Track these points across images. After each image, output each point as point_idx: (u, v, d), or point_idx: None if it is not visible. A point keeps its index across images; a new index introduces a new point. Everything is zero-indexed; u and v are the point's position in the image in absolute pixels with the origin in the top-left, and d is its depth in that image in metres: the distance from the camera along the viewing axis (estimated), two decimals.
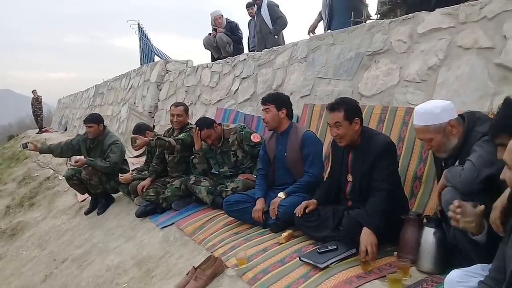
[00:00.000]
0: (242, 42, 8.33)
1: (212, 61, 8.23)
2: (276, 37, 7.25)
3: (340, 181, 3.31)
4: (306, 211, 3.27)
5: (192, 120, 5.67)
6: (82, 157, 5.83)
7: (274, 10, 7.23)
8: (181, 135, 4.81)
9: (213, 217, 4.26)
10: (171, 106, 5.16)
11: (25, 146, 5.86)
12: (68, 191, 7.48)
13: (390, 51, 4.14)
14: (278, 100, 3.84)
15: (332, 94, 4.57)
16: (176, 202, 4.79)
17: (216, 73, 7.40)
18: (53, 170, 9.44)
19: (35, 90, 17.87)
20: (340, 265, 2.79)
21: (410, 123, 3.56)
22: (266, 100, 3.85)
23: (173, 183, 4.84)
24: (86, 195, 6.25)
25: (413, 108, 3.58)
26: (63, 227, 6.22)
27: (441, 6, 3.74)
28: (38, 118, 18.11)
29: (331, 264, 2.80)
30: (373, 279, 2.58)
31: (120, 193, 5.85)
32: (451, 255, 2.52)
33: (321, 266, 2.78)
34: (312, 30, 6.34)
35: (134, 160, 7.68)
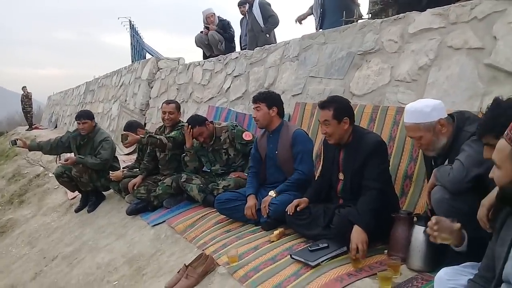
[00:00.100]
0: (234, 40, 8.32)
1: (203, 59, 8.22)
2: (267, 35, 7.25)
3: (331, 180, 3.33)
4: (298, 209, 3.28)
5: (184, 118, 5.67)
6: (72, 155, 5.80)
7: (265, 9, 7.23)
8: (172, 133, 4.80)
9: (204, 215, 4.26)
10: (162, 103, 5.15)
11: (14, 143, 5.81)
12: (58, 189, 7.44)
13: (381, 51, 4.16)
14: (268, 99, 3.85)
15: (323, 93, 4.59)
16: (167, 200, 4.78)
17: (208, 71, 7.39)
18: (43, 167, 9.38)
19: (25, 86, 17.71)
20: (331, 263, 2.81)
21: (401, 123, 3.59)
22: (257, 99, 3.86)
23: (164, 181, 4.82)
24: (76, 192, 6.21)
25: (404, 108, 3.62)
26: (53, 224, 6.18)
27: (432, 7, 3.78)
28: (28, 115, 17.96)
29: (322, 262, 2.82)
30: (364, 277, 2.60)
31: (111, 190, 5.82)
32: (441, 254, 2.54)
33: (312, 264, 2.80)
34: (299, 20, 6.37)
35: (125, 157, 7.65)
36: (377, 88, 4.09)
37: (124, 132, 4.76)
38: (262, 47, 6.16)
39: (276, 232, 3.39)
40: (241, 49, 7.86)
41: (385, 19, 4.30)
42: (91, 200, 5.91)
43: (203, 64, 7.67)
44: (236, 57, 6.67)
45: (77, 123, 5.61)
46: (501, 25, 3.13)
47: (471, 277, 1.89)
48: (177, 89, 8.37)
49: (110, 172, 5.47)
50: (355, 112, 3.57)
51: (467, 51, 3.36)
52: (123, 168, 5.76)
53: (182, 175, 4.60)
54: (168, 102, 5.12)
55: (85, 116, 5.64)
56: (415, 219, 2.80)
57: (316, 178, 3.72)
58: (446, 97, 3.33)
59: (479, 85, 3.22)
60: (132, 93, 10.31)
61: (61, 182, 5.87)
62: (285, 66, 5.48)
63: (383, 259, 2.80)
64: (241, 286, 2.91)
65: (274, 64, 5.69)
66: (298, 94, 5.09)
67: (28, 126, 18.08)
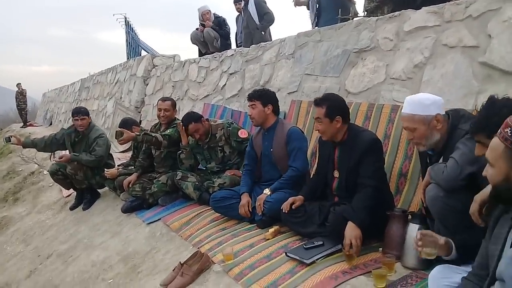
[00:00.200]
0: (229, 37, 8.31)
1: (199, 56, 8.21)
2: (263, 33, 7.24)
3: (327, 177, 3.33)
4: (293, 207, 3.29)
5: (179, 116, 5.66)
6: (67, 152, 5.78)
7: (261, 6, 7.22)
8: (168, 131, 4.79)
9: (199, 213, 4.26)
10: (158, 100, 5.13)
11: (8, 140, 5.79)
12: (53, 186, 7.41)
13: (376, 49, 4.17)
14: (263, 96, 3.85)
15: (319, 91, 4.59)
16: (162, 198, 4.78)
17: (203, 68, 7.38)
18: (38, 164, 9.35)
19: (19, 83, 17.63)
20: (326, 261, 2.82)
21: (396, 120, 3.60)
22: (252, 96, 3.86)
23: (159, 179, 4.82)
24: (71, 190, 6.19)
25: (399, 106, 3.64)
26: (48, 222, 6.17)
27: (427, 5, 3.78)
28: (23, 112, 17.87)
29: (317, 259, 2.82)
30: (359, 275, 2.61)
31: (106, 188, 5.81)
32: None
33: (307, 261, 2.80)
34: (296, 3, 6.42)
35: (120, 155, 7.63)
36: (373, 86, 4.09)
37: (119, 129, 4.74)
38: (258, 45, 6.15)
39: (271, 230, 3.40)
40: (237, 46, 7.86)
41: (380, 17, 4.30)
42: (86, 197, 5.89)
43: (198, 61, 7.65)
44: (232, 55, 6.66)
45: (75, 119, 5.58)
46: (495, 24, 3.14)
47: (465, 275, 1.91)
48: (173, 86, 8.35)
49: (105, 169, 5.46)
50: (350, 110, 3.58)
51: (462, 49, 3.37)
52: (118, 165, 5.75)
53: (178, 172, 4.59)
54: (163, 99, 5.10)
55: (84, 112, 5.64)
56: (409, 217, 2.81)
57: (311, 176, 3.72)
58: (440, 95, 3.29)
59: (473, 83, 3.23)
60: (127, 90, 10.28)
61: (55, 180, 5.85)
62: (281, 63, 5.47)
63: (377, 257, 2.81)
64: (236, 284, 2.91)
65: (270, 61, 5.69)
66: (293, 92, 5.09)
67: (22, 123, 18.00)
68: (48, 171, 6.10)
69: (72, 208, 6.02)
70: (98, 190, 5.98)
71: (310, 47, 5.03)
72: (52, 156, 6.84)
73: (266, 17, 7.25)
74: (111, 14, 12.62)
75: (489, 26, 3.18)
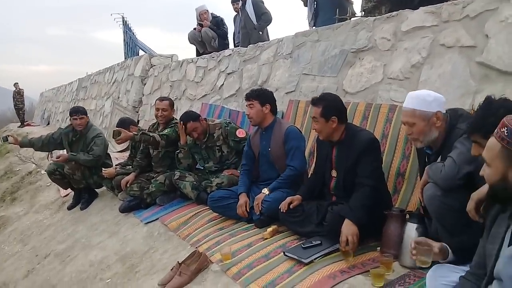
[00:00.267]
0: (227, 37, 8.31)
1: (197, 56, 8.20)
2: (260, 33, 7.25)
3: (325, 177, 3.34)
4: (291, 206, 3.29)
5: (177, 115, 5.65)
6: (65, 151, 5.77)
7: (258, 6, 7.23)
8: (166, 131, 4.78)
9: (197, 212, 4.26)
10: (156, 100, 5.12)
11: (5, 139, 5.78)
12: (50, 186, 7.41)
13: (374, 49, 4.17)
14: (261, 96, 3.86)
15: (317, 91, 4.59)
16: (160, 198, 4.78)
17: (201, 68, 7.38)
18: (35, 164, 9.33)
19: (17, 83, 17.60)
20: (324, 260, 2.82)
21: (394, 120, 3.61)
22: (250, 96, 3.86)
23: (157, 178, 4.81)
24: (69, 190, 6.19)
25: (397, 106, 3.66)
26: (46, 222, 6.16)
27: (425, 5, 3.79)
28: (20, 112, 17.84)
29: (315, 259, 2.83)
30: (357, 274, 2.61)
31: (104, 188, 5.81)
32: None
33: (305, 261, 2.81)
34: None
35: (118, 155, 7.63)
36: (370, 85, 4.10)
37: (117, 128, 4.73)
38: (256, 44, 6.15)
39: (269, 229, 3.40)
40: (235, 46, 7.86)
41: (378, 17, 4.31)
42: (83, 197, 5.89)
43: (196, 61, 7.65)
44: (230, 54, 6.66)
45: (73, 118, 5.56)
46: (493, 24, 3.15)
47: (463, 274, 1.91)
48: (170, 86, 8.35)
49: (103, 169, 5.46)
50: (348, 110, 3.60)
51: (459, 49, 3.38)
52: (116, 165, 5.75)
53: (175, 172, 4.59)
54: (161, 99, 5.09)
55: (82, 111, 5.63)
56: (407, 216, 2.82)
57: (309, 176, 3.73)
58: None
59: (471, 83, 3.24)
60: (125, 90, 10.27)
61: (53, 180, 5.85)
62: (279, 63, 5.48)
63: (375, 256, 2.82)
64: (234, 283, 2.91)
65: (268, 61, 5.69)
66: (291, 92, 5.09)
67: (20, 123, 17.97)
68: (45, 171, 6.10)
69: (69, 208, 6.01)
70: (96, 189, 5.97)
71: (308, 47, 5.04)
72: (49, 155, 6.83)
73: (264, 17, 7.25)
74: (109, 13, 12.61)
75: (487, 26, 3.19)
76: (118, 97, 10.54)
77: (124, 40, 12.48)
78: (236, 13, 7.81)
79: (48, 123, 17.75)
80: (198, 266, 3.20)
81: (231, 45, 8.18)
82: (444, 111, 2.55)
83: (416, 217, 2.70)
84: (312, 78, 4.85)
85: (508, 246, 1.65)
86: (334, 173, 3.24)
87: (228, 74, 6.50)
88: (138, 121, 8.90)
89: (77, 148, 5.62)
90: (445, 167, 2.36)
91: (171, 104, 5.02)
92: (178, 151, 4.70)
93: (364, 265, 2.72)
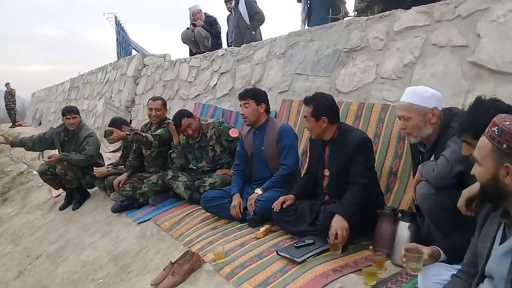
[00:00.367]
0: (220, 37, 8.30)
1: (190, 55, 8.19)
2: (253, 32, 7.23)
3: (317, 176, 3.35)
4: (284, 206, 3.29)
5: (170, 115, 5.64)
6: (56, 152, 5.73)
7: (251, 6, 7.22)
8: (158, 131, 4.76)
9: (190, 212, 4.25)
10: (148, 100, 5.10)
11: None
12: (42, 186, 7.37)
13: (367, 48, 4.19)
14: (257, 95, 3.86)
15: (310, 90, 4.60)
16: (153, 197, 4.76)
17: (194, 68, 7.36)
18: (27, 164, 9.27)
19: (8, 83, 17.49)
20: (317, 259, 2.82)
21: (386, 119, 3.62)
22: (245, 95, 3.86)
23: (150, 178, 4.80)
24: (61, 190, 6.16)
25: (389, 105, 3.67)
26: (37, 222, 6.12)
27: (417, 4, 3.80)
28: (11, 112, 17.74)
29: (308, 258, 2.83)
30: (349, 273, 2.62)
31: (96, 188, 5.79)
32: None
33: (298, 260, 2.81)
34: None
35: (110, 155, 7.59)
36: (363, 85, 4.11)
37: (109, 128, 4.71)
38: (249, 44, 6.15)
39: (262, 228, 3.40)
40: (228, 45, 7.85)
41: (370, 16, 4.32)
42: (75, 197, 5.86)
43: (189, 61, 7.64)
44: (223, 54, 6.65)
45: (66, 118, 5.54)
46: (484, 23, 3.17)
47: (455, 272, 1.92)
48: (163, 86, 8.33)
49: (94, 168, 5.42)
50: (341, 109, 3.61)
51: (451, 49, 3.40)
52: (108, 165, 5.72)
53: (168, 172, 4.58)
54: (154, 98, 5.07)
55: (74, 111, 5.61)
56: (399, 215, 2.82)
57: (302, 175, 3.73)
58: None
59: (463, 83, 3.26)
60: (117, 90, 10.23)
61: (45, 180, 5.81)
62: (272, 63, 5.48)
63: (368, 254, 2.83)
64: (227, 282, 2.91)
65: (261, 61, 5.69)
66: (284, 91, 5.09)
67: (11, 123, 17.86)
68: (37, 171, 6.06)
69: (61, 208, 5.98)
70: (88, 190, 5.95)
71: (301, 46, 5.04)
72: (40, 155, 6.79)
73: (257, 17, 7.25)
74: (101, 13, 12.57)
75: (478, 25, 3.21)
76: (111, 97, 10.50)
77: (117, 39, 12.44)
78: (229, 12, 7.80)
79: (40, 123, 17.64)
80: (191, 266, 3.20)
81: (224, 45, 8.17)
82: (440, 108, 2.57)
83: (409, 216, 2.71)
84: (305, 77, 4.85)
85: (500, 244, 1.66)
86: (326, 172, 3.25)
87: (221, 74, 6.49)
88: (131, 121, 8.87)
89: (69, 148, 5.59)
90: (438, 165, 2.37)
91: (164, 104, 5.01)
92: (171, 151, 4.69)
93: (357, 263, 2.73)
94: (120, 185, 4.96)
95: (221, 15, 8.40)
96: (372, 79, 4.03)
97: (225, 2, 7.81)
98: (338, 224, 2.80)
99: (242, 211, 3.71)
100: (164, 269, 3.30)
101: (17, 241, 5.85)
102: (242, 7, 7.19)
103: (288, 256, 2.89)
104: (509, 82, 2.96)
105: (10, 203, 7.67)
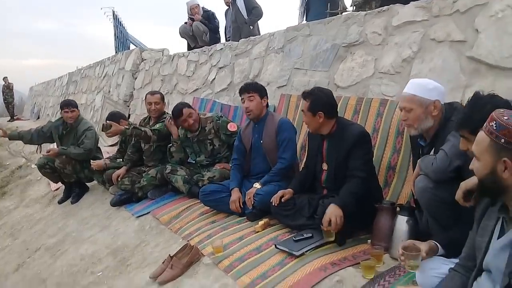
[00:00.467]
0: (218, 31, 8.28)
1: (188, 50, 8.17)
2: (251, 27, 7.22)
3: (315, 170, 3.36)
4: (282, 200, 3.31)
5: (168, 110, 5.64)
6: (55, 145, 5.73)
7: (249, 0, 7.20)
8: (157, 125, 4.77)
9: (189, 206, 4.26)
10: (146, 94, 5.10)
11: None
12: (41, 180, 7.36)
13: (365, 43, 4.19)
14: (260, 89, 3.90)
15: (308, 85, 4.60)
16: (152, 191, 4.77)
17: (192, 62, 7.35)
18: (25, 158, 9.27)
19: (6, 77, 17.45)
20: (315, 253, 2.84)
21: (385, 114, 3.63)
22: (250, 88, 3.86)
23: (149, 172, 4.81)
24: (60, 183, 6.16)
25: (388, 100, 3.68)
26: (36, 216, 6.12)
27: None
28: (10, 106, 17.71)
29: (306, 251, 2.85)
30: (347, 266, 2.64)
31: (95, 182, 5.79)
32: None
33: (297, 253, 2.83)
34: None
35: (109, 149, 7.59)
36: (361, 80, 4.12)
37: (108, 121, 4.71)
38: (247, 39, 6.14)
39: (261, 222, 3.42)
40: (226, 40, 7.84)
41: (369, 11, 4.32)
42: (74, 191, 5.87)
43: (187, 55, 7.62)
44: (221, 49, 6.64)
45: (65, 111, 5.54)
46: (483, 18, 3.17)
47: (452, 266, 1.93)
48: (162, 80, 8.31)
49: (91, 160, 5.41)
50: (339, 104, 3.61)
51: (449, 44, 3.40)
52: (105, 158, 5.72)
53: (167, 166, 4.59)
54: (152, 93, 5.08)
55: (73, 104, 5.61)
56: (398, 209, 2.84)
57: (300, 169, 3.75)
58: None
59: (461, 77, 3.27)
60: (115, 84, 10.21)
61: (43, 173, 5.82)
62: (270, 57, 5.48)
63: (366, 248, 2.85)
64: (226, 276, 2.93)
65: (259, 55, 5.69)
66: (283, 86, 5.10)
67: (9, 117, 17.82)
68: (36, 165, 6.06)
69: (60, 202, 5.99)
70: (87, 183, 5.95)
71: (300, 41, 5.04)
72: (38, 149, 6.78)
73: (255, 12, 7.23)
74: (99, 7, 12.51)
75: (477, 20, 3.21)
76: (109, 91, 10.48)
77: (115, 34, 12.39)
78: (227, 7, 7.78)
79: (38, 117, 17.61)
80: (190, 259, 3.21)
81: (223, 39, 8.15)
82: (443, 102, 2.57)
83: (407, 210, 2.72)
84: (303, 72, 4.86)
85: (498, 238, 1.67)
86: (325, 166, 3.26)
87: (220, 68, 6.49)
88: (129, 115, 8.86)
89: (67, 141, 5.60)
90: (437, 159, 2.38)
91: (162, 98, 5.03)
92: (170, 144, 4.70)
93: (355, 257, 2.74)
94: (119, 179, 4.96)
95: (219, 9, 8.38)
96: (370, 73, 4.04)
97: None
98: (332, 212, 2.82)
99: (241, 206, 3.72)
100: (163, 263, 3.32)
101: (16, 234, 5.86)
102: (240, 2, 7.17)
103: (287, 250, 2.91)
104: (507, 77, 2.97)
105: (9, 197, 7.66)
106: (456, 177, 2.32)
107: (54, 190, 6.58)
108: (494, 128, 1.56)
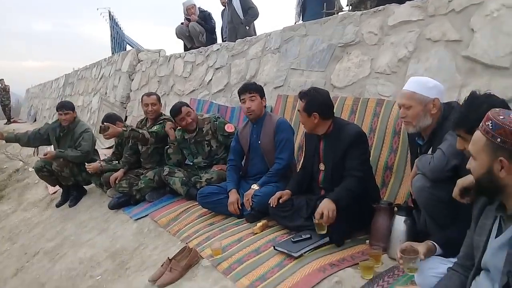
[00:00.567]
0: (215, 31, 8.27)
1: (184, 50, 8.16)
2: (247, 27, 7.21)
3: (313, 171, 3.36)
4: (280, 201, 3.31)
5: (165, 111, 5.63)
6: (52, 148, 5.71)
7: (245, 1, 7.19)
8: (155, 128, 4.76)
9: (187, 208, 4.26)
10: (142, 96, 5.08)
11: None
12: (38, 183, 7.35)
13: (361, 43, 4.20)
14: (260, 89, 3.90)
15: (305, 85, 4.61)
16: (150, 194, 4.77)
17: (189, 63, 7.35)
18: (23, 161, 9.24)
19: (2, 79, 17.38)
20: (314, 254, 2.85)
21: (381, 114, 3.64)
22: (251, 88, 3.86)
23: (146, 175, 4.80)
24: (57, 187, 6.14)
25: (384, 100, 3.69)
26: (34, 220, 6.11)
27: None
28: (6, 108, 17.64)
29: (305, 252, 2.85)
30: (346, 267, 2.64)
31: (92, 185, 5.77)
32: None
33: (295, 255, 2.83)
34: None
35: (106, 151, 7.57)
36: (358, 80, 4.12)
37: (105, 123, 4.69)
38: (244, 39, 6.14)
39: (259, 224, 3.42)
40: (223, 40, 7.83)
41: (365, 11, 4.33)
42: (72, 194, 5.85)
43: (184, 56, 7.62)
44: (218, 49, 6.64)
45: (59, 114, 5.52)
46: (478, 18, 3.18)
47: (450, 265, 1.94)
48: (158, 81, 8.31)
49: (86, 163, 5.39)
50: (336, 104, 3.62)
51: (445, 43, 3.41)
52: (100, 161, 5.70)
53: (165, 168, 4.58)
54: (148, 94, 5.07)
55: (67, 106, 5.58)
56: (395, 209, 2.85)
57: (298, 170, 3.75)
58: None
59: (457, 77, 3.27)
60: (112, 86, 10.19)
61: (41, 177, 5.79)
62: (267, 58, 5.48)
63: (364, 249, 2.85)
64: (225, 278, 2.92)
65: (256, 56, 5.69)
66: (279, 87, 5.10)
67: (6, 120, 17.78)
68: (33, 168, 6.04)
69: (58, 205, 5.97)
70: (85, 186, 5.94)
71: (296, 41, 5.04)
72: (35, 152, 6.77)
73: (251, 12, 7.22)
74: (95, 8, 12.49)
75: (472, 20, 3.22)
76: (106, 93, 10.46)
77: (111, 35, 12.37)
78: (224, 7, 7.77)
79: (35, 120, 17.58)
80: (189, 261, 3.21)
81: (219, 40, 8.15)
82: (442, 100, 2.58)
83: (404, 210, 2.73)
84: (300, 72, 4.86)
85: (496, 237, 1.67)
86: (322, 167, 3.27)
87: (217, 69, 6.49)
88: (126, 117, 8.85)
89: (64, 144, 5.58)
90: (434, 158, 2.39)
91: (159, 99, 5.02)
92: (168, 146, 4.69)
93: (354, 258, 2.75)
94: (117, 182, 4.95)
95: (215, 10, 8.36)
96: (367, 73, 4.05)
97: None
98: (325, 205, 2.83)
99: (240, 207, 3.72)
100: (161, 265, 3.31)
101: (14, 238, 5.85)
102: (236, 2, 7.17)
103: (285, 251, 2.91)
104: (503, 76, 2.98)
105: (7, 201, 7.65)
106: (453, 176, 2.32)
107: (52, 194, 6.57)
108: (490, 127, 1.56)
